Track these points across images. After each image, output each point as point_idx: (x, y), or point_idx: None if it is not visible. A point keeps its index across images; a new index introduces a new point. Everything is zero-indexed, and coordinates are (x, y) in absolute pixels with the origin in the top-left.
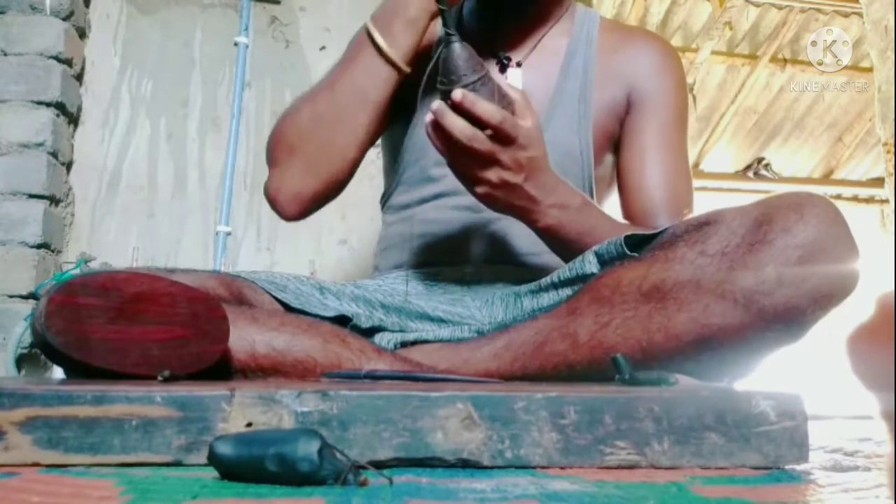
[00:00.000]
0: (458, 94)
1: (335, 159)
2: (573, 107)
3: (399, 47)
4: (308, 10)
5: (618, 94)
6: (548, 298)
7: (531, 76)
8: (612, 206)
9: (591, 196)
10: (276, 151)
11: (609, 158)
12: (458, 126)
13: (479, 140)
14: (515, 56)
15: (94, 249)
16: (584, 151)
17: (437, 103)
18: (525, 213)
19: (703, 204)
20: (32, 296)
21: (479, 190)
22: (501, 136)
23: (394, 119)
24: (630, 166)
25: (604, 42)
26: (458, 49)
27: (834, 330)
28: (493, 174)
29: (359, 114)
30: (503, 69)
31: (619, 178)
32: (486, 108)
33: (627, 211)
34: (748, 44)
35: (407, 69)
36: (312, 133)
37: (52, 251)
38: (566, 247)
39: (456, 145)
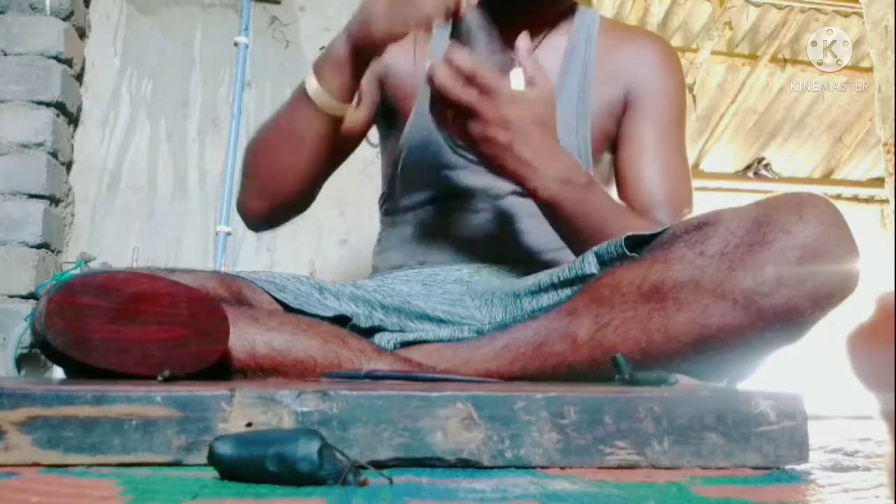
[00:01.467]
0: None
1: (283, 187)
2: (572, 105)
3: (328, 90)
4: (308, 10)
5: (616, 93)
6: (547, 299)
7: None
8: None
9: None
10: (242, 170)
11: (606, 158)
12: (438, 74)
13: (456, 88)
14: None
15: (94, 249)
16: (582, 150)
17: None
18: (523, 181)
19: (703, 204)
20: (32, 296)
21: (465, 143)
22: (479, 86)
23: (391, 124)
24: (628, 164)
25: (603, 41)
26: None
27: (834, 330)
28: (475, 128)
29: (298, 152)
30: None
31: (618, 175)
32: (462, 57)
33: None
34: (748, 44)
35: (335, 113)
36: (262, 163)
37: (52, 251)
38: (568, 225)
39: (438, 95)
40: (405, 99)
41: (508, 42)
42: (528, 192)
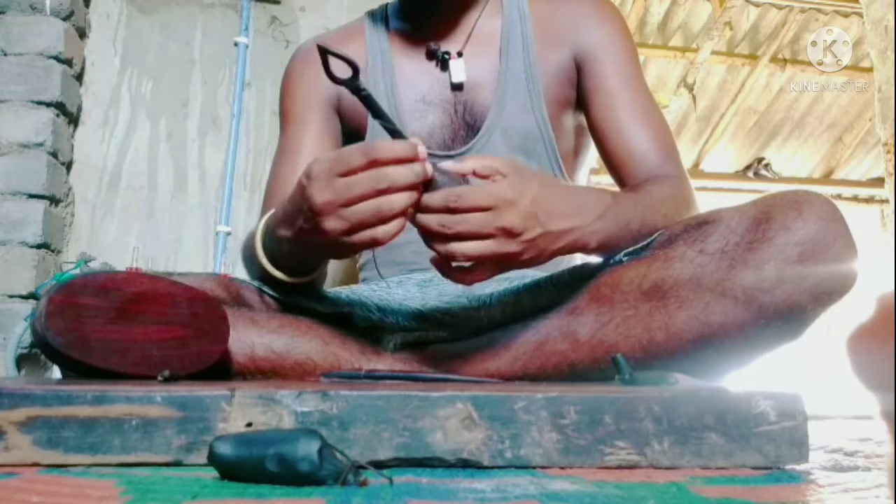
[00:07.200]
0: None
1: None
2: (522, 87)
3: (289, 274)
4: (308, 10)
5: (563, 59)
6: (547, 298)
7: (472, 65)
8: (592, 179)
9: (560, 173)
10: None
11: (569, 128)
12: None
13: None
14: (451, 48)
15: (94, 249)
16: (543, 129)
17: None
18: (575, 248)
19: (704, 204)
20: (32, 296)
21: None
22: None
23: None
24: (609, 125)
25: (536, 14)
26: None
27: (834, 330)
28: (505, 265)
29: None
30: (444, 64)
31: (600, 135)
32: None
33: (625, 181)
34: (748, 44)
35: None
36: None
37: (52, 251)
38: (619, 246)
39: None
40: (363, 119)
41: (437, 35)
42: (581, 252)
